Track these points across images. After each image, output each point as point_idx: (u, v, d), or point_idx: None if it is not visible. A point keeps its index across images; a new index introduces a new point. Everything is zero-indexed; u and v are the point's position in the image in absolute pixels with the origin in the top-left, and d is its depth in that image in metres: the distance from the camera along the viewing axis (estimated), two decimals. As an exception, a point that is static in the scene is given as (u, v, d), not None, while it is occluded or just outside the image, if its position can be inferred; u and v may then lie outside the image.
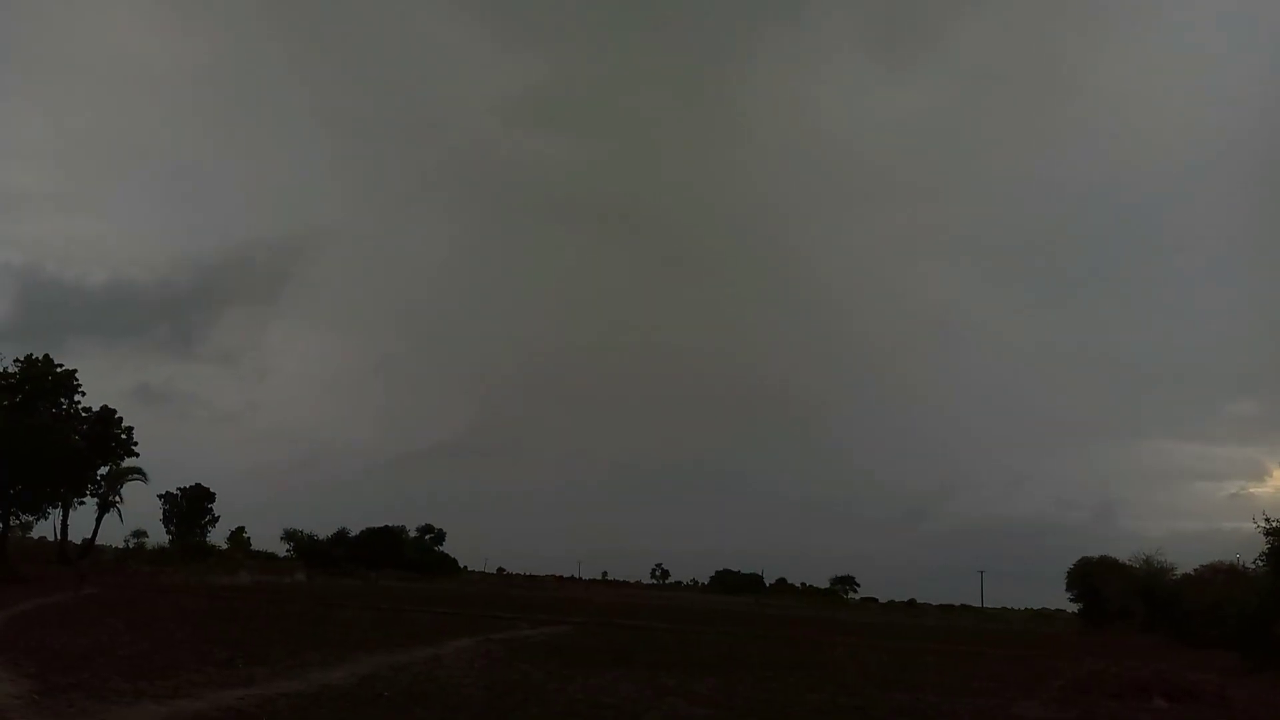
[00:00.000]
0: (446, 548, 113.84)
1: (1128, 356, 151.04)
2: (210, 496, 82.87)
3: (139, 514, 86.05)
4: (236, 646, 15.71)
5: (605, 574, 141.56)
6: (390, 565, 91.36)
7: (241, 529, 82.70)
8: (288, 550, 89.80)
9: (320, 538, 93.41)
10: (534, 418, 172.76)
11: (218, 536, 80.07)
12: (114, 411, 55.74)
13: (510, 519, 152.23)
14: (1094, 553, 65.43)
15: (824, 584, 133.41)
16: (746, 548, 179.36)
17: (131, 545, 69.18)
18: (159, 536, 75.84)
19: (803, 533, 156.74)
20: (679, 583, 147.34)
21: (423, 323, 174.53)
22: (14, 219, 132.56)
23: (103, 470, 56.07)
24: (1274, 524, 29.39)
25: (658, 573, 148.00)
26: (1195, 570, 47.35)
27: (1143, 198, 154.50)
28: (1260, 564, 32.40)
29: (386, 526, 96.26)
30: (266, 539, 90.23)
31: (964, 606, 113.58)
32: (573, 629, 28.20)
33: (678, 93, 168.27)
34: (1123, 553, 59.25)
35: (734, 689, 14.22)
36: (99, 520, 56.97)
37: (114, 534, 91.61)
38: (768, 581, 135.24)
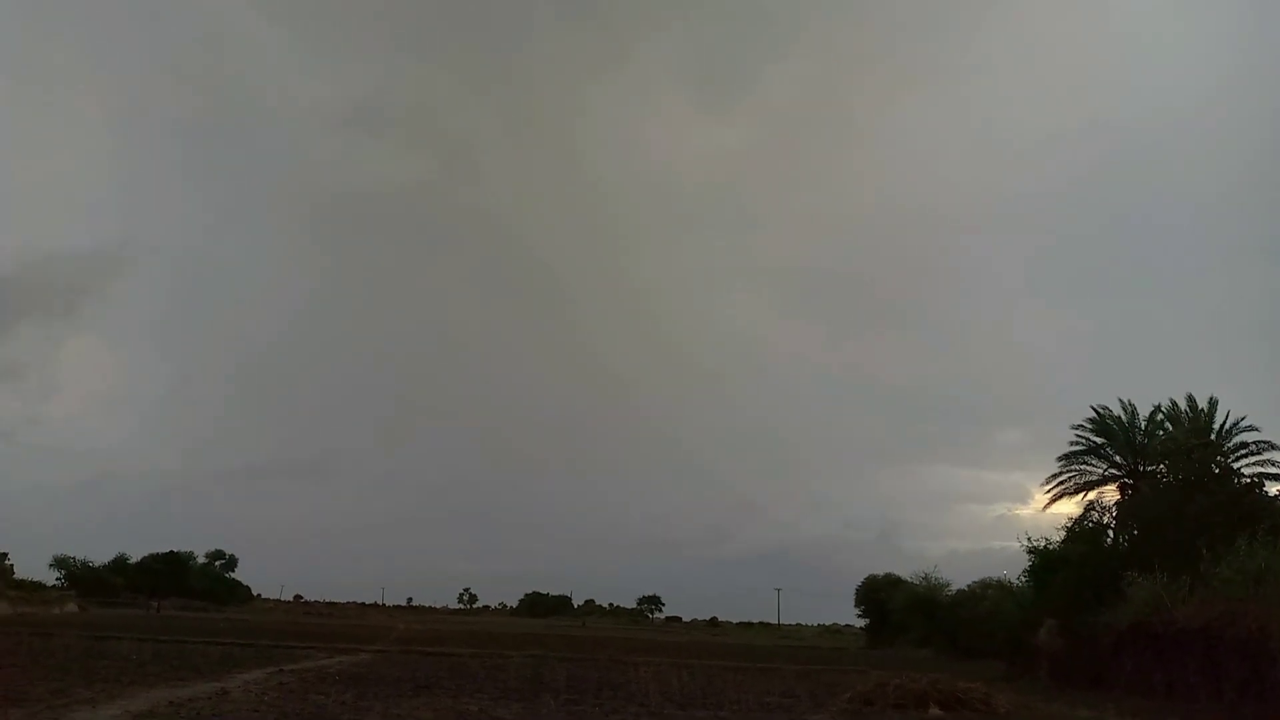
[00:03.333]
0: (240, 575, 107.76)
1: (911, 388, 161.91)
2: (-37, 519, 74.90)
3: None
4: (-10, 686, 14.28)
5: (410, 600, 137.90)
6: (175, 593, 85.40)
7: (3, 555, 74.94)
8: (58, 579, 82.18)
9: (95, 564, 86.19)
10: (342, 442, 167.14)
11: (-28, 564, 72.21)
12: None
13: (312, 545, 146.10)
14: (880, 571, 69.42)
15: (631, 604, 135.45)
16: (556, 570, 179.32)
17: None
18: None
19: (611, 555, 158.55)
20: (487, 606, 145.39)
21: (231, 342, 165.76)
22: None
23: None
24: (1034, 543, 32.30)
25: (465, 597, 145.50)
26: (968, 586, 51.12)
27: (927, 238, 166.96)
28: (1023, 579, 35.48)
29: (172, 552, 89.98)
30: (35, 567, 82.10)
31: (762, 624, 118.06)
32: (373, 657, 27.29)
33: (503, 118, 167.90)
34: (905, 570, 63.20)
35: (538, 712, 14.23)
36: None
37: None
38: (576, 603, 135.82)
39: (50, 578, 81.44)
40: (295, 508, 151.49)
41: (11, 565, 76.61)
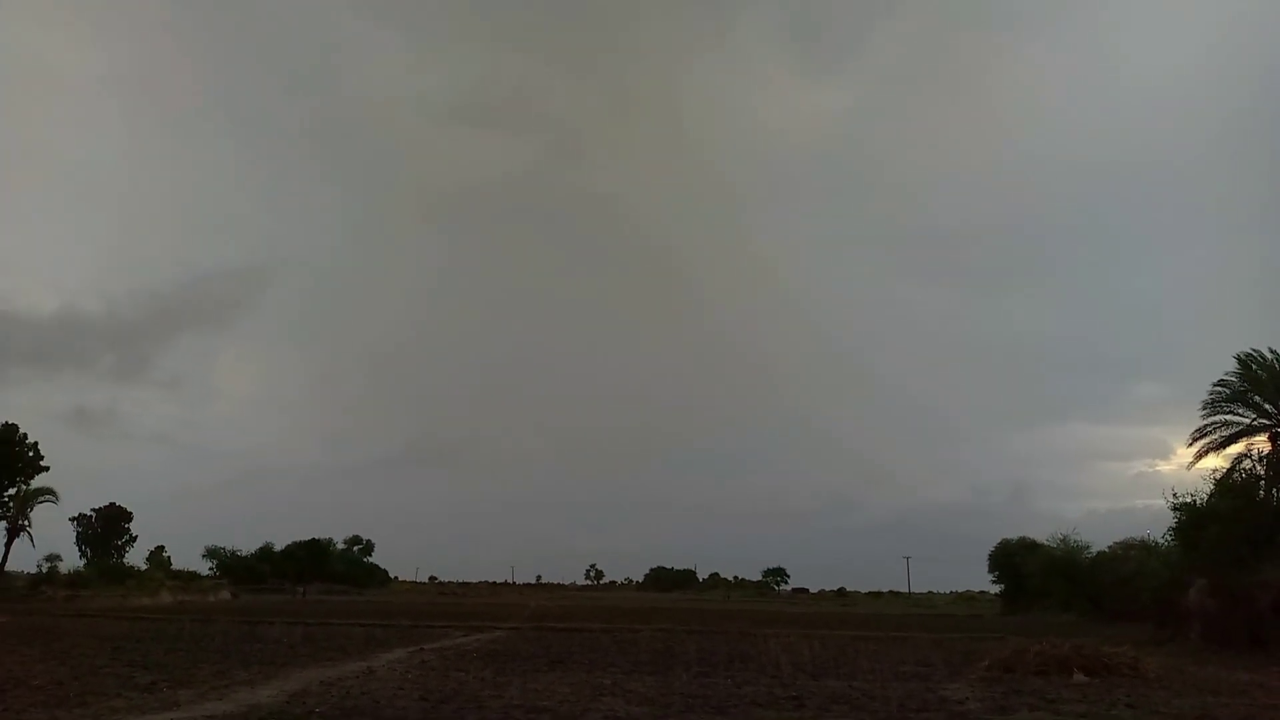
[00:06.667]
0: (377, 558, 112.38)
1: (1039, 345, 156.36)
2: (127, 516, 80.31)
3: (51, 537, 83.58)
4: (159, 669, 15.26)
5: (539, 577, 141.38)
6: (318, 579, 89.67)
7: (161, 548, 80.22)
8: (210, 569, 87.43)
9: (244, 554, 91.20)
10: (474, 430, 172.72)
11: (136, 557, 77.52)
12: (17, 428, 53.71)
13: (443, 528, 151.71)
14: (1013, 535, 66.99)
15: (756, 576, 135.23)
16: (680, 544, 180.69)
17: (45, 570, 66.47)
18: (74, 560, 73.35)
19: (734, 527, 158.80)
20: (614, 582, 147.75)
21: (364, 341, 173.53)
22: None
23: (10, 491, 54.05)
24: (1181, 500, 30.68)
25: (592, 573, 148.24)
26: (1109, 547, 48.98)
27: (1050, 192, 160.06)
28: (1168, 538, 33.81)
29: (313, 539, 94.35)
30: (190, 558, 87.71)
31: (892, 592, 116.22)
32: (507, 634, 28.04)
33: (607, 99, 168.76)
34: (1040, 533, 60.81)
35: (671, 685, 14.33)
36: (8, 545, 54.78)
37: (26, 559, 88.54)
38: (701, 576, 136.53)
39: (203, 568, 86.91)
40: (427, 493, 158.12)
41: (169, 557, 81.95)
